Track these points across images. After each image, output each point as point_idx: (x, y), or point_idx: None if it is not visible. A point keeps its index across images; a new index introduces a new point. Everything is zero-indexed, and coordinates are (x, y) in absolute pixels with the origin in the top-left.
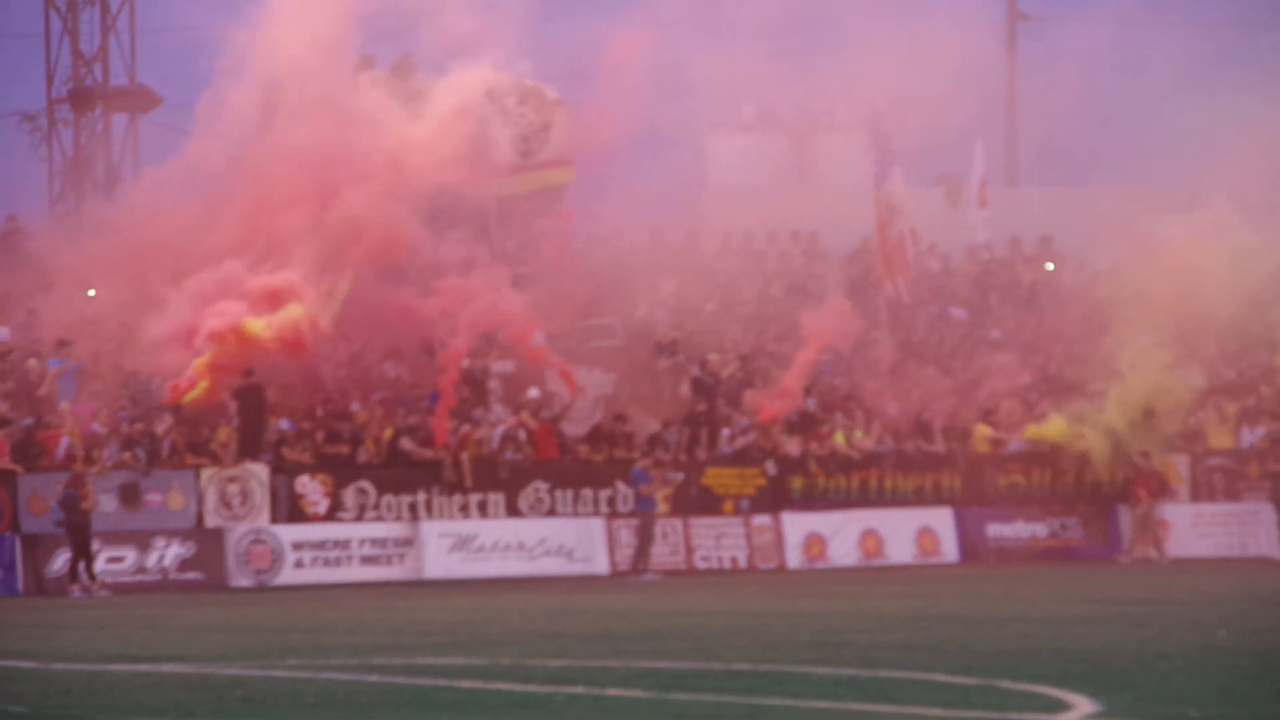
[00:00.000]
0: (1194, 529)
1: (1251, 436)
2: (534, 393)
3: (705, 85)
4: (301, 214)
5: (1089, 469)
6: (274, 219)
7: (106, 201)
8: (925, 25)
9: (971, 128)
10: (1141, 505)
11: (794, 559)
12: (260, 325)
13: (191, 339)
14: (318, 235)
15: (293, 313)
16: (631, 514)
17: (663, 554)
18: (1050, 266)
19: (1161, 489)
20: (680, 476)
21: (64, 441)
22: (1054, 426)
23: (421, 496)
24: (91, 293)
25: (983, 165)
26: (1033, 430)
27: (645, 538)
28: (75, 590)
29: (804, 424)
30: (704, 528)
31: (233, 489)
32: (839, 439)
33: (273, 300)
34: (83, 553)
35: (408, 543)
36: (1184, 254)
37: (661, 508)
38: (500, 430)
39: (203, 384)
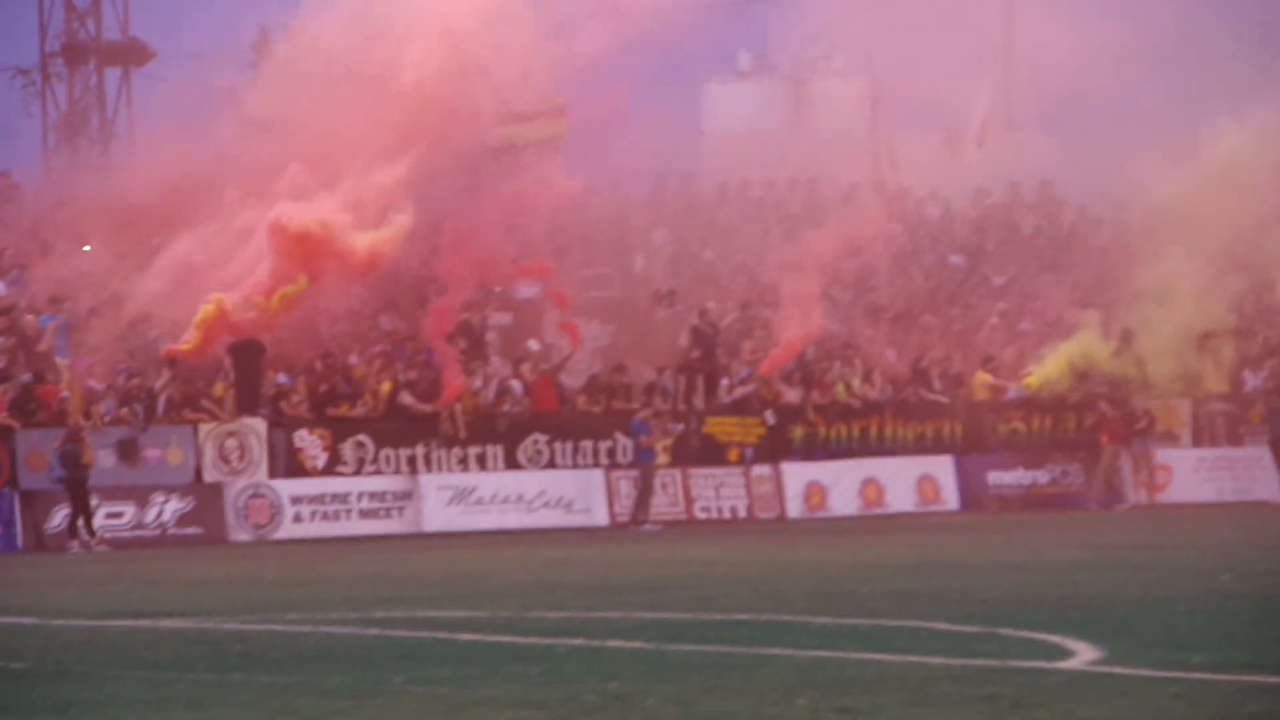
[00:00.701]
0: (1195, 474)
1: (1254, 380)
2: (533, 345)
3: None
4: (364, 100)
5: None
6: (336, 114)
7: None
8: None
9: (971, 73)
10: (1105, 451)
11: (794, 508)
12: (366, 239)
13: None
14: (385, 113)
15: (401, 225)
16: (631, 465)
17: (662, 505)
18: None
19: (1127, 434)
20: (680, 427)
21: (64, 394)
22: (1082, 346)
23: (420, 450)
24: (87, 248)
25: (986, 105)
26: (1052, 360)
27: (645, 489)
28: (74, 546)
29: (804, 373)
30: (703, 478)
31: (231, 444)
32: (840, 389)
33: (360, 211)
34: (82, 508)
35: (407, 496)
36: (1227, 157)
37: (662, 458)
38: (495, 383)
39: (302, 279)
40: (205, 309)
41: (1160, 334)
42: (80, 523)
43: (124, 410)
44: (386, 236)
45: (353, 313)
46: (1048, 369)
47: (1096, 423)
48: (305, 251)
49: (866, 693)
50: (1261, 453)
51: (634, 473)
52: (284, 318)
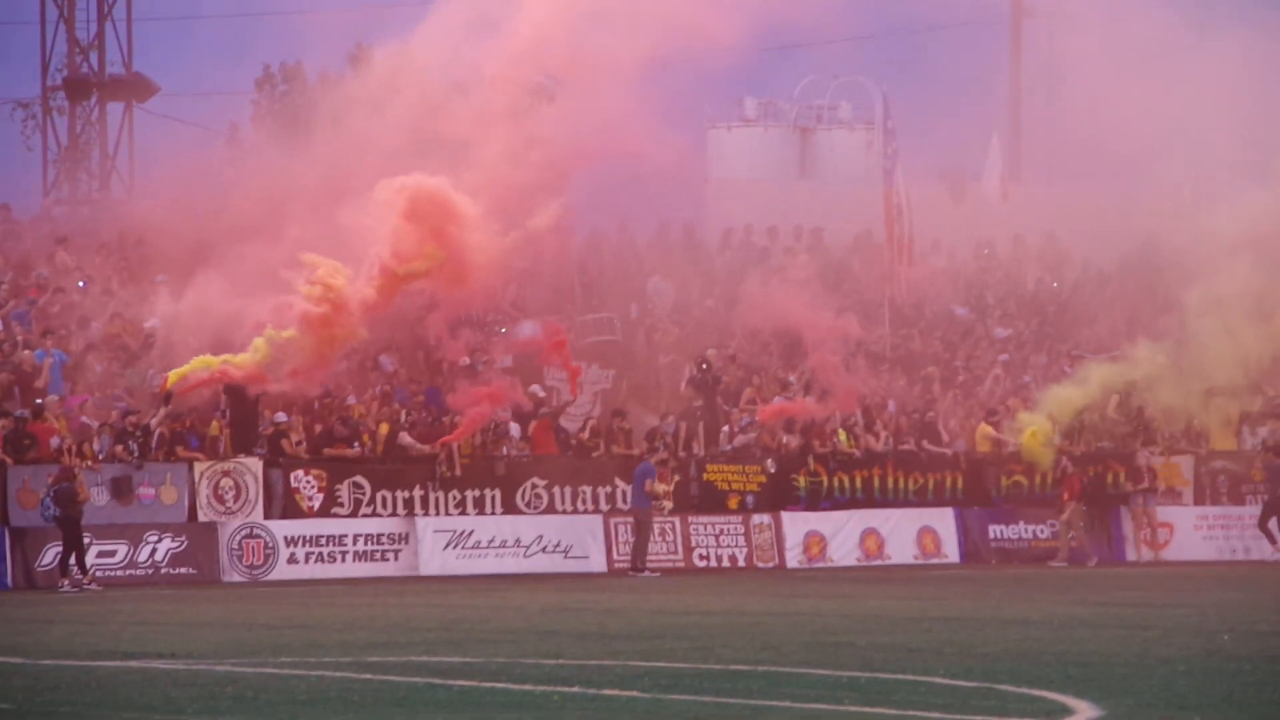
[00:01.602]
0: (1196, 532)
1: (1253, 439)
2: (537, 390)
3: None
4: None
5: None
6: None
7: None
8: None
9: (976, 123)
10: (1066, 509)
11: (793, 558)
12: (503, 243)
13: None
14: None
15: (544, 218)
16: (630, 511)
17: (661, 552)
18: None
19: (1083, 493)
20: (677, 478)
21: (55, 442)
22: (1080, 399)
23: (417, 492)
24: (81, 284)
25: (999, 159)
26: (1053, 406)
27: (643, 535)
28: (65, 585)
29: (805, 423)
30: (703, 526)
31: (226, 483)
32: (842, 437)
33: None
34: (75, 546)
35: (403, 539)
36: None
37: (667, 504)
38: (493, 424)
39: (434, 250)
40: (325, 272)
41: (1219, 363)
42: (72, 561)
43: (119, 448)
44: (513, 241)
45: (352, 352)
46: (1044, 422)
47: (1059, 479)
48: (436, 227)
49: None
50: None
51: (632, 519)
52: (397, 299)
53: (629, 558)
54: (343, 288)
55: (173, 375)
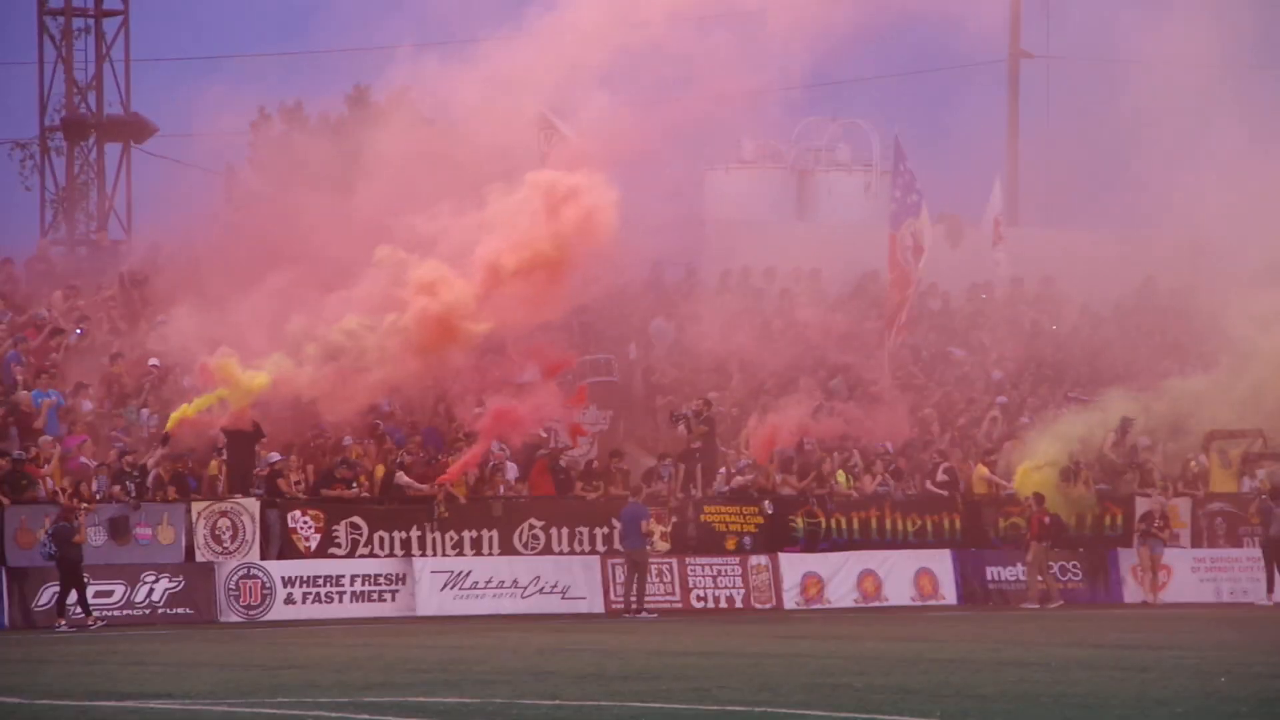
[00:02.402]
0: (1193, 574)
1: (1251, 481)
2: (542, 431)
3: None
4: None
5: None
6: None
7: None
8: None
9: (974, 167)
10: (1032, 550)
11: (790, 599)
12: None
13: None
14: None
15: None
16: (626, 553)
17: (658, 593)
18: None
19: (1048, 534)
20: (674, 519)
21: (47, 480)
22: (1077, 433)
23: (414, 533)
24: (79, 331)
25: (999, 203)
26: (1046, 446)
27: (640, 575)
28: (62, 624)
29: (803, 463)
30: (700, 567)
31: (223, 523)
32: (840, 478)
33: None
34: (75, 586)
35: (400, 579)
36: None
37: (661, 545)
38: (490, 464)
39: (552, 241)
40: (428, 269)
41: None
42: (73, 601)
43: (116, 488)
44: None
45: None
46: (1040, 464)
47: (1027, 520)
48: (561, 230)
49: None
50: (1260, 554)
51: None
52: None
53: (623, 599)
54: (448, 282)
55: (196, 403)
